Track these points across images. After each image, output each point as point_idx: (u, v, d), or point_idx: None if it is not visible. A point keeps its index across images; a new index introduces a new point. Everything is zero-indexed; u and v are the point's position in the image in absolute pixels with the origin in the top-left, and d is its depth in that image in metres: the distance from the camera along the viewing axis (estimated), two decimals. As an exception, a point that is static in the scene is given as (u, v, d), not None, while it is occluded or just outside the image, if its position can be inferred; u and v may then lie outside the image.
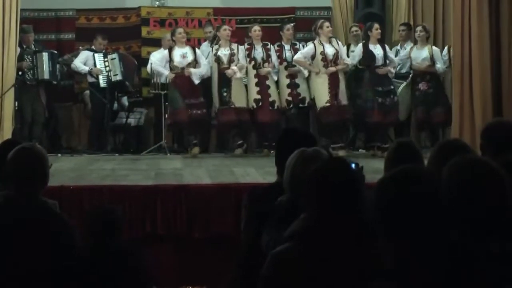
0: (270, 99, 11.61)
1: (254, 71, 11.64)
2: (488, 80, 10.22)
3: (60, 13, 13.92)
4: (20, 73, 11.76)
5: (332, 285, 2.87)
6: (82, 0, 13.84)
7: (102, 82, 12.19)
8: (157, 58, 11.88)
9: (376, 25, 11.56)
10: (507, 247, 2.47)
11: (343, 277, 2.86)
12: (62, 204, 5.04)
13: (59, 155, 11.63)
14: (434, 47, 11.84)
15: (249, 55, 11.69)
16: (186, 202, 7.91)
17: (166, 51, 11.72)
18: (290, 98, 11.69)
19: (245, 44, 11.84)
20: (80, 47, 12.79)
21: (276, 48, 11.89)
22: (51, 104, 12.50)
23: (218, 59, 11.56)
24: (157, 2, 14.41)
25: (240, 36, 12.78)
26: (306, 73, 11.56)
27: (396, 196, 2.40)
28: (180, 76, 11.42)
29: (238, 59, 11.58)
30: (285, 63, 11.77)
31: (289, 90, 11.70)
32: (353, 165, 3.17)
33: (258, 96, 11.58)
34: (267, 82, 11.66)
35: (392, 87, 11.49)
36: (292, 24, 11.95)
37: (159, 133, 12.13)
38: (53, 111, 12.60)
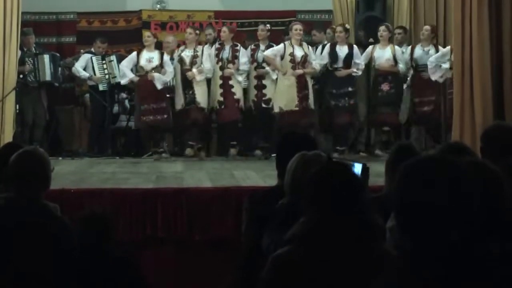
0: (235, 97, 11.62)
1: (220, 72, 11.66)
2: (489, 82, 10.21)
3: (61, 16, 13.94)
4: (21, 76, 11.76)
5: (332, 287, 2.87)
6: (83, 3, 13.85)
7: (101, 86, 12.20)
8: (125, 60, 11.88)
9: (340, 28, 11.62)
10: (507, 247, 2.47)
11: (344, 279, 2.86)
12: (63, 208, 5.04)
13: (60, 158, 11.63)
14: (396, 47, 11.76)
15: (217, 55, 11.70)
16: (186, 205, 7.91)
17: (134, 54, 11.78)
18: (255, 99, 11.71)
19: (216, 44, 11.85)
20: (82, 50, 12.79)
21: (253, 47, 11.93)
22: (52, 107, 12.50)
23: (181, 60, 11.61)
24: (158, 6, 14.44)
25: (240, 39, 12.79)
26: (274, 75, 11.55)
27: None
28: (144, 80, 11.47)
29: (201, 62, 11.57)
30: (255, 64, 11.78)
31: (255, 91, 11.73)
32: (359, 165, 3.16)
33: (221, 98, 11.59)
34: (230, 82, 11.63)
35: (351, 89, 11.45)
36: (299, 25, 11.83)
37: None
38: (54, 114, 12.60)
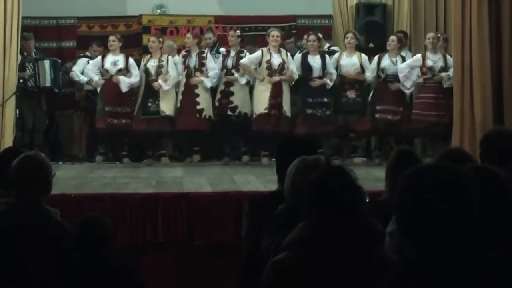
0: (198, 107, 11.44)
1: (185, 80, 11.53)
2: (489, 88, 10.22)
3: (61, 21, 13.93)
4: (21, 81, 11.76)
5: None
6: (83, 8, 13.85)
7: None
8: (91, 64, 11.84)
9: (313, 37, 11.47)
10: (508, 252, 2.48)
11: (344, 284, 2.86)
12: (63, 212, 5.04)
13: (60, 163, 11.62)
14: (363, 55, 11.64)
15: (184, 63, 11.59)
16: (186, 210, 7.92)
17: (99, 57, 11.77)
18: (217, 104, 11.56)
19: (183, 51, 11.79)
20: (82, 55, 12.79)
21: (224, 53, 11.85)
22: (52, 112, 12.49)
23: (146, 71, 11.52)
24: (158, 10, 14.43)
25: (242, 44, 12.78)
26: (243, 80, 11.46)
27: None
28: (108, 83, 11.45)
29: (168, 71, 11.47)
30: (225, 70, 11.63)
31: (219, 96, 11.58)
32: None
33: (178, 105, 11.48)
34: (196, 91, 11.48)
35: (326, 99, 11.34)
36: (275, 31, 11.62)
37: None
38: (54, 119, 12.59)
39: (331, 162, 3.18)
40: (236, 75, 11.51)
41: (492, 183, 2.66)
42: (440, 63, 11.38)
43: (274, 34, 11.40)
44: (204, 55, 11.64)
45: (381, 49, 11.75)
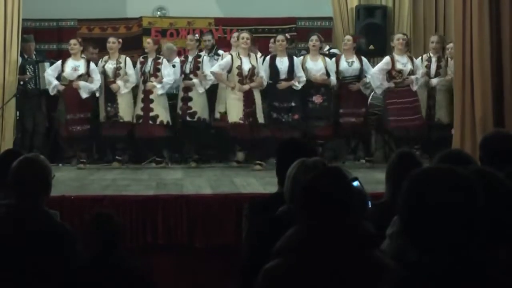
0: (152, 114, 11.32)
1: (143, 86, 11.39)
2: (489, 90, 10.22)
3: (61, 23, 13.97)
4: (21, 83, 11.76)
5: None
6: (84, 10, 13.88)
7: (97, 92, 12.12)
8: (51, 68, 11.51)
9: (280, 36, 11.29)
10: (509, 255, 2.47)
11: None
12: (63, 214, 5.05)
13: (60, 165, 11.62)
14: (327, 58, 11.47)
15: (141, 69, 11.43)
16: (187, 212, 7.92)
17: (59, 62, 11.46)
18: (180, 112, 11.48)
19: (141, 58, 11.61)
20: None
21: (182, 59, 11.71)
22: (52, 114, 12.48)
23: (104, 72, 11.34)
24: (158, 13, 14.45)
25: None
26: (201, 89, 11.33)
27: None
28: (69, 89, 11.19)
29: (126, 73, 11.34)
30: (183, 75, 11.53)
31: (181, 104, 11.49)
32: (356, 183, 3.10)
33: (141, 113, 11.33)
34: (151, 96, 11.34)
35: (293, 104, 10.99)
36: (246, 33, 11.28)
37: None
38: (54, 121, 12.58)
39: (327, 164, 3.14)
40: (194, 80, 11.37)
41: (492, 185, 2.65)
42: (409, 66, 11.17)
43: (244, 36, 11.04)
44: (160, 60, 11.46)
45: (381, 52, 11.74)
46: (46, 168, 4.15)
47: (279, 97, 10.99)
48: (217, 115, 11.26)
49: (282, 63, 11.02)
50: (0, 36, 11.59)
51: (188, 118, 11.38)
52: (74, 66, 11.26)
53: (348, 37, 11.61)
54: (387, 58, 11.22)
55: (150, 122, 11.29)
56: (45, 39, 13.52)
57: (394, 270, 2.44)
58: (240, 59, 10.92)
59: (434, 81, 11.41)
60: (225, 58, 11.09)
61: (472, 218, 2.26)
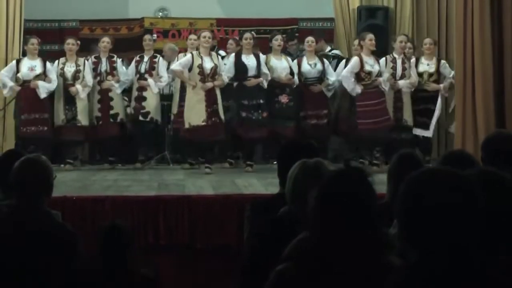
0: (112, 112, 11.30)
1: (99, 87, 11.33)
2: (491, 92, 10.22)
3: (63, 24, 13.99)
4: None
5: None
6: (86, 10, 13.89)
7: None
8: (5, 69, 11.17)
9: (247, 34, 11.12)
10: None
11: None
12: (65, 215, 5.05)
13: (62, 165, 11.60)
14: (289, 58, 11.35)
15: (95, 69, 11.34)
16: (188, 213, 7.92)
17: (14, 62, 11.15)
18: (133, 112, 11.43)
19: (92, 57, 11.50)
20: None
21: (137, 58, 11.63)
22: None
23: (63, 75, 11.16)
24: (160, 13, 14.46)
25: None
26: (155, 90, 11.29)
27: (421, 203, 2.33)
28: (25, 89, 10.92)
29: (84, 76, 11.24)
30: (138, 75, 11.47)
31: (134, 103, 11.44)
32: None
33: (99, 114, 11.28)
34: (110, 94, 11.32)
35: (262, 101, 10.83)
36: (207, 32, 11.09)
37: (161, 143, 12.05)
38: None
39: (351, 163, 3.01)
40: (149, 80, 11.34)
41: (497, 186, 2.64)
42: (377, 67, 11.00)
43: (206, 34, 10.78)
44: (114, 59, 11.45)
45: (383, 53, 11.73)
46: (47, 169, 4.16)
47: (248, 95, 10.80)
48: (172, 117, 11.19)
49: (249, 60, 10.85)
50: (2, 36, 11.62)
51: (141, 118, 11.30)
52: (30, 66, 11.00)
53: (311, 38, 11.45)
54: (356, 59, 10.99)
55: (111, 120, 11.30)
56: (47, 39, 13.51)
57: (396, 270, 2.44)
58: (201, 57, 10.63)
59: (401, 83, 11.21)
60: (185, 56, 10.85)
61: (470, 219, 2.25)
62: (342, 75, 11.02)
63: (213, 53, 10.91)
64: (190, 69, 10.62)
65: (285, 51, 12.37)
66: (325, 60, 11.44)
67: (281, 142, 10.73)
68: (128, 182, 9.53)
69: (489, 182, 2.61)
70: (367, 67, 10.92)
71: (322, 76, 11.27)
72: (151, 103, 11.33)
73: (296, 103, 11.20)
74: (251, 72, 10.82)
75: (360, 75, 10.92)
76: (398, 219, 2.37)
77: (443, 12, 12.54)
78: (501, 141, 4.43)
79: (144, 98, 11.35)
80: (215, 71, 10.65)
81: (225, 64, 11.04)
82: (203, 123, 10.48)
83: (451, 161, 3.91)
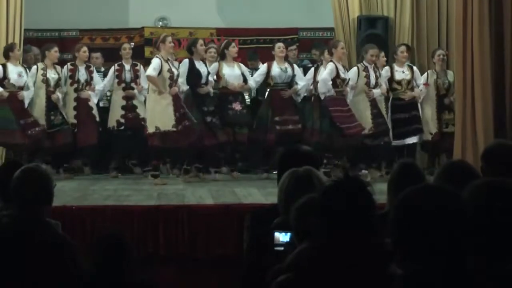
0: (98, 119, 11.30)
1: (75, 94, 11.25)
2: (490, 102, 10.22)
3: (63, 33, 13.99)
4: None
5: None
6: (86, 20, 13.90)
7: (102, 103, 12.10)
8: None
9: (200, 41, 10.99)
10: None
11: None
12: (64, 225, 5.03)
13: (60, 171, 11.59)
14: (241, 64, 11.30)
15: (71, 77, 11.27)
16: (188, 223, 7.92)
17: (0, 67, 10.90)
18: (123, 120, 11.40)
19: (68, 65, 11.42)
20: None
21: (117, 67, 11.62)
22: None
23: (46, 81, 11.05)
24: (160, 23, 14.48)
25: (243, 57, 12.82)
26: (142, 97, 11.23)
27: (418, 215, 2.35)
28: (14, 95, 10.81)
29: (62, 84, 11.22)
30: (123, 84, 11.49)
31: (123, 112, 11.42)
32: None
33: (74, 121, 11.19)
34: (90, 104, 11.29)
35: (215, 108, 10.77)
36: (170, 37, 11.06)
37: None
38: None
39: (349, 172, 3.02)
40: (135, 90, 11.38)
41: (504, 197, 2.63)
42: (347, 76, 10.98)
43: (171, 40, 10.77)
44: (92, 69, 11.45)
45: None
46: (47, 178, 4.15)
47: (204, 102, 10.76)
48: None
49: (201, 67, 10.76)
50: (2, 46, 11.60)
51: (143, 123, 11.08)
52: (18, 72, 10.90)
53: (281, 44, 11.39)
54: (332, 66, 10.88)
55: (96, 127, 11.31)
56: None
57: (396, 281, 2.44)
58: (167, 62, 10.48)
59: (375, 91, 11.15)
60: (155, 61, 10.49)
61: (458, 239, 2.28)
62: (322, 78, 10.89)
63: (171, 59, 10.77)
64: (159, 74, 10.37)
65: (286, 58, 12.40)
66: (295, 65, 11.40)
67: (237, 149, 11.25)
68: (127, 192, 9.52)
69: (495, 192, 2.61)
70: (342, 74, 10.92)
71: (291, 82, 11.23)
72: (143, 111, 11.18)
73: (266, 108, 11.16)
74: (204, 79, 10.76)
75: (335, 82, 10.87)
76: (391, 231, 2.39)
77: (443, 21, 12.55)
78: (501, 152, 4.42)
79: (135, 107, 11.35)
80: (177, 77, 10.51)
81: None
82: (173, 128, 10.28)
83: (452, 172, 3.91)
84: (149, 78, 10.49)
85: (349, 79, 10.95)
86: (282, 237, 3.73)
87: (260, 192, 9.33)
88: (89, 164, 11.77)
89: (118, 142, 11.54)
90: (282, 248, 3.70)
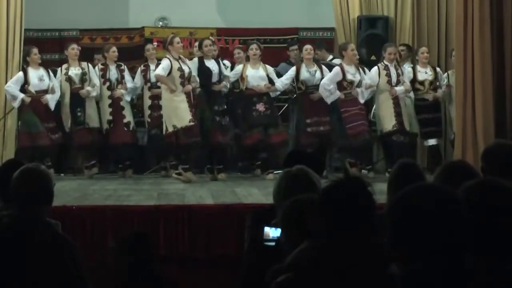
0: (125, 120, 11.43)
1: (109, 92, 11.46)
2: (491, 102, 10.22)
3: (63, 33, 13.97)
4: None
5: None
6: (86, 20, 13.89)
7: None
8: (12, 81, 11.18)
9: (208, 41, 11.06)
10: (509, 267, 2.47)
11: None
12: (64, 225, 5.03)
13: (62, 174, 11.61)
14: (268, 66, 11.31)
15: (103, 76, 11.45)
16: (188, 223, 7.91)
17: (21, 73, 11.14)
18: (149, 120, 11.55)
19: (99, 64, 11.59)
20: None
21: (142, 68, 11.78)
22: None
23: (69, 79, 11.22)
24: (160, 23, 14.47)
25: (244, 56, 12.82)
26: (127, 97, 11.39)
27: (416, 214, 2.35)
28: (37, 99, 11.00)
29: (91, 78, 11.32)
30: (149, 84, 11.61)
31: (149, 112, 11.55)
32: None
33: (111, 117, 11.38)
34: (122, 104, 11.46)
35: (225, 106, 10.96)
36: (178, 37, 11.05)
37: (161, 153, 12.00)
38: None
39: (349, 172, 3.03)
40: (121, 90, 11.44)
41: (499, 196, 2.63)
42: (358, 76, 11.05)
43: (179, 41, 10.80)
44: (123, 67, 11.60)
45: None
46: (47, 178, 4.15)
47: (215, 101, 10.86)
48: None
49: (212, 65, 10.85)
50: (3, 46, 11.64)
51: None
52: (38, 76, 11.06)
53: (309, 46, 11.46)
54: (337, 69, 11.02)
55: (125, 128, 11.43)
56: (47, 49, 13.52)
57: (396, 281, 2.44)
58: (178, 61, 10.54)
59: (398, 89, 11.20)
60: (165, 61, 10.55)
61: (455, 239, 2.28)
62: (321, 83, 11.01)
63: (182, 58, 10.76)
64: (169, 73, 10.46)
65: (287, 59, 12.41)
66: (324, 67, 11.42)
67: (261, 150, 11.23)
68: (128, 192, 9.53)
69: (490, 191, 2.61)
70: (349, 76, 10.97)
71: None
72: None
73: (298, 112, 11.29)
74: (215, 77, 10.83)
75: (342, 85, 10.95)
76: (388, 232, 2.39)
77: (443, 21, 12.57)
78: (501, 152, 4.41)
79: (160, 107, 11.25)
80: (190, 75, 10.58)
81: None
82: (191, 123, 10.34)
83: (451, 172, 3.91)
84: (157, 77, 10.67)
85: (359, 80, 11.01)
86: (272, 232, 3.76)
87: (260, 192, 9.32)
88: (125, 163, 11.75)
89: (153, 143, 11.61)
90: (273, 244, 3.73)
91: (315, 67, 11.29)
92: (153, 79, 11.49)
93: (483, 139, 10.00)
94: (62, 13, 13.88)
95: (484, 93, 10.20)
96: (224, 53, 12.75)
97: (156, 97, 11.45)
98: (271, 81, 11.17)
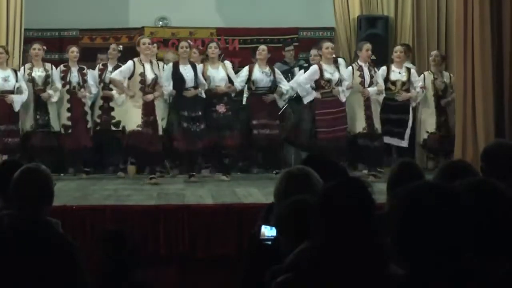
0: (88, 126, 11.23)
1: (68, 96, 11.13)
2: (491, 102, 10.22)
3: (63, 33, 13.97)
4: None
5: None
6: (86, 20, 13.89)
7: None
8: None
9: (185, 43, 10.85)
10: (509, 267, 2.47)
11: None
12: (64, 224, 5.03)
13: (62, 174, 11.60)
14: (227, 63, 11.20)
15: (63, 78, 11.14)
16: (188, 223, 7.91)
17: None
18: (98, 121, 11.40)
19: (61, 66, 11.31)
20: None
21: (100, 67, 11.63)
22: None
23: (32, 80, 10.90)
24: (160, 23, 14.48)
25: (243, 56, 12.82)
26: (120, 100, 10.95)
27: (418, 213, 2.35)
28: (1, 100, 10.65)
29: (53, 81, 11.02)
30: (102, 84, 11.47)
31: (99, 112, 11.43)
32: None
33: (69, 123, 11.06)
34: (85, 108, 11.19)
35: (200, 113, 10.59)
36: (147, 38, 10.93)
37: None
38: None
39: (349, 173, 3.03)
40: (114, 91, 11.19)
41: (493, 197, 2.65)
42: (337, 75, 10.81)
43: (146, 41, 10.54)
44: (85, 71, 11.29)
45: (383, 62, 11.74)
46: (47, 178, 4.15)
47: (187, 106, 10.55)
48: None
49: (187, 71, 10.60)
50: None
51: (113, 128, 11.25)
52: (3, 76, 10.74)
53: (263, 46, 11.35)
54: (314, 67, 10.83)
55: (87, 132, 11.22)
56: (47, 49, 13.50)
57: (396, 281, 2.44)
58: (143, 65, 10.32)
59: (370, 90, 11.02)
60: (127, 64, 10.45)
61: (459, 236, 2.27)
62: (297, 81, 10.92)
63: (154, 62, 10.59)
64: (130, 77, 10.30)
65: (282, 60, 12.41)
66: (276, 69, 11.29)
67: (221, 151, 10.91)
68: (128, 192, 9.53)
69: (483, 192, 2.62)
70: (327, 75, 10.75)
71: (272, 86, 11.09)
72: (120, 112, 11.09)
73: (247, 112, 11.10)
74: (189, 83, 10.57)
75: (319, 83, 10.75)
76: (390, 233, 2.39)
77: (443, 21, 12.56)
78: (500, 152, 4.42)
79: (112, 109, 11.28)
80: (156, 81, 10.32)
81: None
82: (138, 128, 10.15)
83: (451, 172, 3.91)
84: (110, 79, 10.64)
85: (338, 79, 10.80)
86: (268, 231, 3.77)
87: (260, 192, 9.32)
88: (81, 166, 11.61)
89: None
90: (269, 243, 3.74)
91: (268, 68, 11.11)
92: (107, 80, 11.32)
93: (483, 138, 10.01)
94: (62, 13, 13.88)
95: (484, 92, 10.20)
96: (223, 53, 12.74)
97: (108, 99, 11.40)
98: (231, 81, 10.96)
